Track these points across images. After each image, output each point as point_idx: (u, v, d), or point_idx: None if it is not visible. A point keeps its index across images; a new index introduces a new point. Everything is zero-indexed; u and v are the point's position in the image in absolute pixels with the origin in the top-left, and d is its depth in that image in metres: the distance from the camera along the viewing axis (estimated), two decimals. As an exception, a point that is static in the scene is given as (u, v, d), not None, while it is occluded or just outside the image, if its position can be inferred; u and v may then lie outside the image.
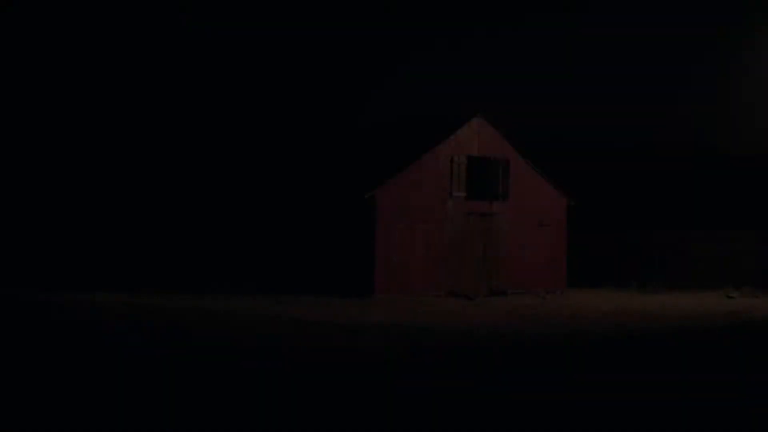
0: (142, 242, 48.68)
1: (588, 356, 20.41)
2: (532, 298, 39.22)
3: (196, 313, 28.25)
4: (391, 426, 13.08)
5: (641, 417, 13.71)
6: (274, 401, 14.65)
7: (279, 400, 14.69)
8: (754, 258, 42.83)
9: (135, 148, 54.05)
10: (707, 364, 18.85)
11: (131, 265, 45.55)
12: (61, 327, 23.60)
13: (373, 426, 13.11)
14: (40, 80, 55.01)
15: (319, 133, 55.07)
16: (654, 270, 43.81)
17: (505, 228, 40.81)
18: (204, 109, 59.93)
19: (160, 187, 52.87)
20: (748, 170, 52.73)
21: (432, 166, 39.04)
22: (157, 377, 16.48)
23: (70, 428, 12.80)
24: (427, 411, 14.02)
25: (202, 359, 18.68)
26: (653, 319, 29.02)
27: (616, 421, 13.50)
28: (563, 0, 74.32)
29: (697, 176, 54.93)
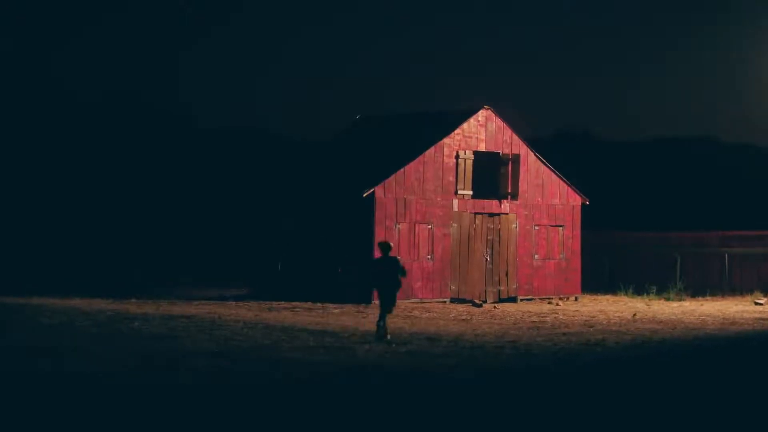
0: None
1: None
2: (544, 304, 37.08)
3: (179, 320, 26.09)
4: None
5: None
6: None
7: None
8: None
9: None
10: None
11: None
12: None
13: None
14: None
15: (316, 130, 53.65)
16: (674, 274, 41.39)
17: (514, 229, 38.55)
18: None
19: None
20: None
21: (436, 162, 36.92)
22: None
23: None
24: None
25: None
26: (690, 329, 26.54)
27: None
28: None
29: (716, 173, 53.35)
